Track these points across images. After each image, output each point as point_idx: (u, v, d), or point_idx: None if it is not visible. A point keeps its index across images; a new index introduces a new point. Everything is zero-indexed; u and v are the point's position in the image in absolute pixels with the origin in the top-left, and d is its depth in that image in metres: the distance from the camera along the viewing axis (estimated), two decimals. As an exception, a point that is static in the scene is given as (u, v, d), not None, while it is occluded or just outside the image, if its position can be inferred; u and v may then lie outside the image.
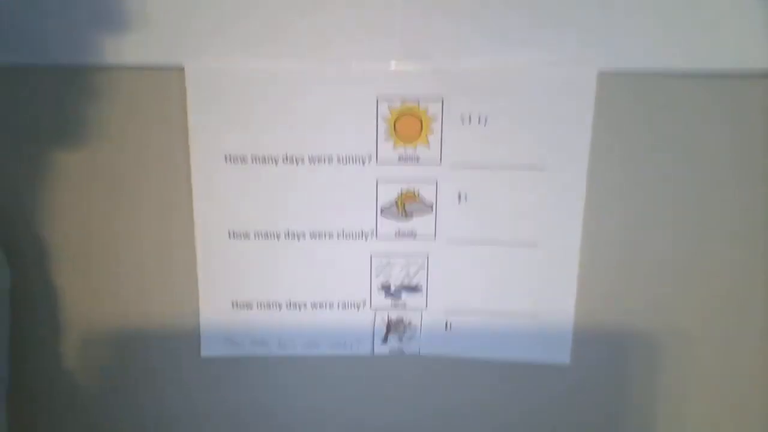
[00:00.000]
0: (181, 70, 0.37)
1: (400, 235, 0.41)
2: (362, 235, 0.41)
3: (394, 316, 0.42)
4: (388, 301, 0.42)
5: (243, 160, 0.39)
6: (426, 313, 0.42)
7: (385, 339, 0.43)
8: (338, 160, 0.39)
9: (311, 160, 0.39)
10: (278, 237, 0.41)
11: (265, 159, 0.39)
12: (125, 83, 0.38)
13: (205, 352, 0.43)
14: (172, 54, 0.37)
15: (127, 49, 0.37)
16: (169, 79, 0.38)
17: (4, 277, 0.38)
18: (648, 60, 0.37)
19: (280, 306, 0.42)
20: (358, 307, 0.42)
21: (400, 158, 0.39)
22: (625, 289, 0.41)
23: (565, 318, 0.41)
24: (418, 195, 0.40)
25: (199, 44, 0.37)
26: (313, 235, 0.41)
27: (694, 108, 0.38)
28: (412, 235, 0.41)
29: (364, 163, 0.39)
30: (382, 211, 0.40)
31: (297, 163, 0.39)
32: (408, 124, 0.38)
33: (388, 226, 0.41)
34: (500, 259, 0.41)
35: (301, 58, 0.37)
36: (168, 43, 0.37)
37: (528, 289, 0.41)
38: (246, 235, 0.41)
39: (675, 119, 0.38)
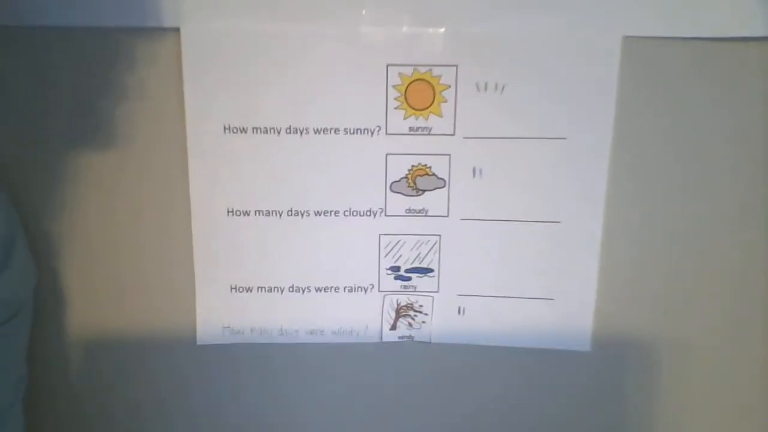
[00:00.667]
0: (176, 31, 0.35)
1: (410, 212, 0.38)
2: (370, 212, 0.38)
3: (403, 300, 0.40)
4: (398, 284, 0.40)
5: (243, 130, 0.37)
6: (438, 296, 0.40)
7: (394, 325, 0.40)
8: (345, 131, 0.37)
9: (316, 131, 0.37)
10: (280, 215, 0.38)
11: (266, 130, 0.37)
12: (116, 46, 0.35)
13: (201, 340, 0.40)
14: (166, 14, 0.34)
15: (117, 8, 0.34)
16: (163, 42, 0.35)
17: (34, 273, 0.36)
18: (676, 25, 0.34)
19: (281, 290, 0.39)
20: (366, 291, 0.40)
21: (410, 129, 0.37)
22: (650, 271, 0.38)
23: (585, 302, 0.39)
24: (430, 169, 0.38)
25: (197, 4, 0.34)
26: (317, 213, 0.38)
27: (726, 76, 0.35)
28: (424, 212, 0.38)
29: (372, 134, 0.37)
30: (391, 186, 0.38)
31: (301, 134, 0.37)
32: (420, 93, 0.36)
33: (398, 202, 0.38)
34: (517, 238, 0.38)
35: (307, 21, 0.35)
36: (163, 2, 0.34)
37: (547, 271, 0.39)
38: (246, 213, 0.38)
39: (705, 87, 0.36)
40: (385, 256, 0.39)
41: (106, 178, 0.37)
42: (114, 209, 0.38)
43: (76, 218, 0.38)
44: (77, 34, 0.35)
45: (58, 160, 0.37)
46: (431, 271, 0.39)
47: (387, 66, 0.36)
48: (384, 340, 0.40)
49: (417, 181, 0.38)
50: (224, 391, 0.42)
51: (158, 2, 0.34)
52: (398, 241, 0.39)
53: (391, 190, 0.38)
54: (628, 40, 0.35)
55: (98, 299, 0.39)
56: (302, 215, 0.38)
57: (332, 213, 0.38)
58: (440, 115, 0.37)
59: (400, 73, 0.36)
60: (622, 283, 0.39)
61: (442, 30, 0.35)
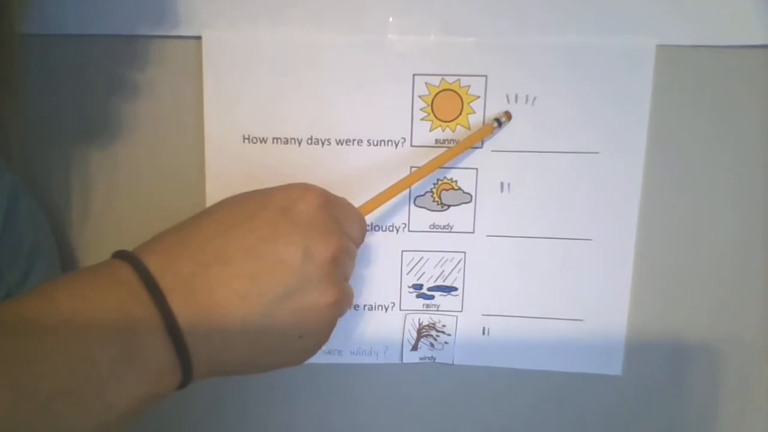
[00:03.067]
0: (197, 40, 0.34)
1: (434, 228, 0.37)
2: (393, 227, 0.37)
3: (425, 319, 0.38)
4: (420, 303, 0.38)
5: (263, 140, 0.35)
6: (462, 316, 0.38)
7: (416, 345, 0.38)
8: (368, 142, 0.35)
9: (338, 142, 0.35)
10: (299, 229, 0.37)
11: (287, 140, 0.35)
12: (136, 55, 0.34)
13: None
14: (188, 23, 0.33)
15: (140, 17, 0.33)
16: (184, 51, 0.34)
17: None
18: (713, 32, 0.33)
19: (298, 307, 0.38)
20: (386, 310, 0.38)
21: (437, 141, 0.35)
22: (685, 291, 0.37)
23: (617, 323, 0.37)
24: (456, 183, 0.36)
25: (219, 12, 0.33)
26: (338, 228, 0.37)
27: (763, 85, 0.34)
28: (449, 228, 0.37)
29: (397, 146, 0.35)
30: (415, 200, 0.36)
31: (322, 145, 0.35)
32: (447, 104, 0.35)
33: (422, 218, 0.37)
34: (546, 256, 0.37)
35: (331, 29, 0.34)
36: (184, 10, 0.33)
37: (576, 290, 0.37)
38: (263, 227, 0.36)
39: (744, 97, 0.34)
40: (408, 274, 0.37)
41: (124, 189, 0.36)
42: (129, 216, 0.37)
43: (94, 226, 0.37)
44: (100, 42, 0.34)
45: (75, 167, 0.36)
46: (455, 289, 0.38)
47: (413, 76, 0.34)
48: (404, 361, 0.39)
49: (442, 195, 0.36)
50: (233, 410, 0.40)
51: (180, 11, 0.33)
52: (421, 258, 0.37)
53: (415, 205, 0.36)
54: (661, 48, 0.34)
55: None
56: (322, 229, 0.37)
57: (353, 227, 0.37)
58: (468, 127, 0.35)
59: (427, 83, 0.35)
60: (655, 303, 0.37)
61: (472, 39, 0.34)
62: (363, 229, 0.29)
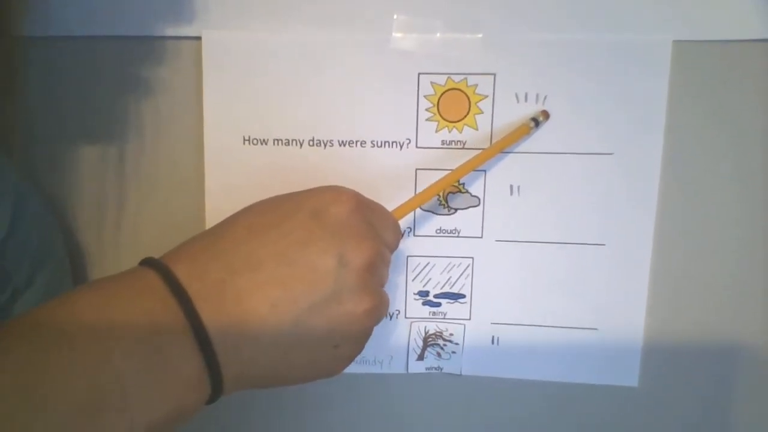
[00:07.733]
0: (197, 40, 0.33)
1: (441, 232, 0.35)
2: (398, 232, 0.35)
3: (432, 328, 0.37)
4: (426, 311, 0.36)
5: (263, 142, 0.34)
6: (470, 325, 0.36)
7: (422, 355, 0.37)
8: (372, 143, 0.34)
9: (341, 143, 0.34)
10: (301, 234, 0.35)
11: (288, 141, 0.34)
12: (136, 56, 0.34)
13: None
14: (187, 23, 0.33)
15: (140, 17, 0.33)
16: (183, 51, 0.33)
17: None
18: (732, 26, 0.32)
19: (300, 315, 0.37)
20: (391, 318, 0.37)
21: (443, 142, 0.34)
22: (704, 298, 0.35)
23: (632, 332, 0.36)
24: (464, 186, 0.35)
25: (219, 11, 0.33)
26: (341, 232, 0.35)
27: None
28: (456, 232, 0.35)
29: (402, 147, 0.34)
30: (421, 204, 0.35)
31: (325, 147, 0.34)
32: (454, 103, 0.34)
33: (428, 222, 0.35)
34: (558, 262, 0.35)
35: (333, 27, 0.33)
36: (183, 11, 0.33)
37: (590, 298, 0.35)
38: (264, 231, 0.35)
39: (765, 94, 0.33)
40: (413, 280, 0.36)
41: (126, 189, 0.35)
42: (129, 218, 0.36)
43: (100, 226, 0.36)
44: (101, 44, 0.34)
45: (78, 168, 0.35)
46: (463, 296, 0.36)
47: (419, 75, 0.33)
48: (410, 371, 0.37)
49: (449, 198, 0.35)
50: (237, 420, 0.38)
51: (180, 11, 0.33)
52: (427, 264, 0.36)
53: (421, 209, 0.35)
54: (678, 44, 0.32)
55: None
56: (324, 234, 0.35)
57: (357, 232, 0.35)
58: (475, 128, 0.34)
59: (432, 82, 0.33)
60: (673, 311, 0.35)
61: (480, 36, 0.33)
62: (398, 235, 0.28)
